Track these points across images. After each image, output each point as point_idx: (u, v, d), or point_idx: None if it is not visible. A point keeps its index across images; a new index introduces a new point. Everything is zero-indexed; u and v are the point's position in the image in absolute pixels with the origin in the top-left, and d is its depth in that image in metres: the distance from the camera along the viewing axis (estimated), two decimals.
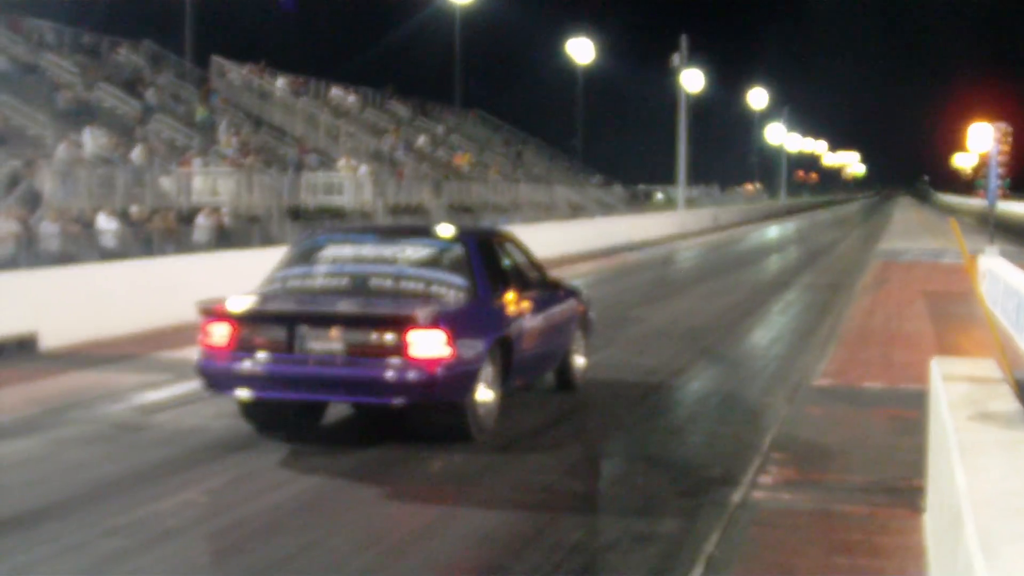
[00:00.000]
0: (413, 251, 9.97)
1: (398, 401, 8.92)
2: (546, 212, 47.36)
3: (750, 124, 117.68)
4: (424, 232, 10.76)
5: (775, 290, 23.91)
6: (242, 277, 18.44)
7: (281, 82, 45.10)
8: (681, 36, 58.71)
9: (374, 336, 8.90)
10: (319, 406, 10.11)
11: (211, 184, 29.84)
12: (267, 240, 26.57)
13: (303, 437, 9.66)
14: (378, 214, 34.72)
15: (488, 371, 9.52)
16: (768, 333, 17.28)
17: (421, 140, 51.12)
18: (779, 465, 8.89)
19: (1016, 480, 4.74)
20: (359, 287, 9.67)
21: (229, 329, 9.18)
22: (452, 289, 9.61)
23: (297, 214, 31.68)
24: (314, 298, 9.58)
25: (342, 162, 38.22)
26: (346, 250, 10.15)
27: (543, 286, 11.27)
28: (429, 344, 8.83)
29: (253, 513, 7.56)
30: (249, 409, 9.74)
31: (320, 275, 9.92)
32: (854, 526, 7.32)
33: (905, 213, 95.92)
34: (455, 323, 9.02)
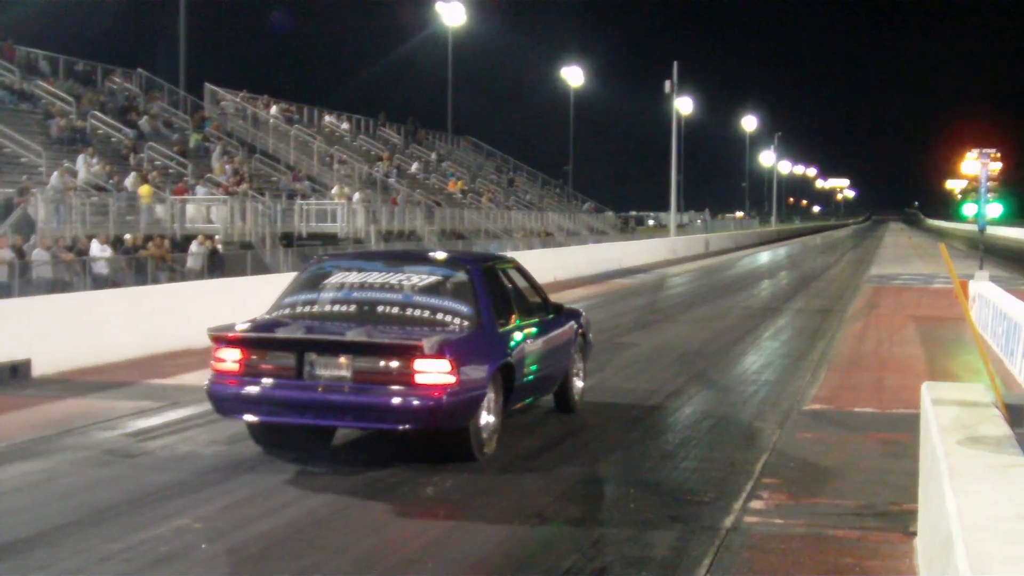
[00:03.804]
0: (419, 279, 10.18)
1: (404, 427, 9.16)
2: (538, 238, 47.40)
3: (741, 151, 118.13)
4: (429, 260, 10.88)
5: (767, 315, 23.83)
6: (235, 304, 18.55)
7: (274, 109, 45.20)
8: (673, 63, 59.11)
9: (381, 364, 9.13)
10: (327, 429, 10.17)
11: (204, 211, 29.88)
12: (260, 267, 26.57)
13: (302, 459, 9.67)
14: (371, 240, 34.74)
15: (490, 396, 9.76)
16: (760, 358, 17.21)
17: (414, 167, 51.17)
18: (771, 490, 8.88)
19: (1007, 504, 4.74)
20: (366, 314, 9.87)
21: (239, 355, 9.41)
22: (456, 317, 9.83)
23: (290, 241, 31.70)
24: (322, 325, 9.77)
25: (335, 189, 38.30)
26: (353, 277, 10.34)
27: (544, 309, 11.54)
28: (434, 372, 9.06)
29: (247, 539, 7.52)
30: (258, 432, 9.94)
31: (327, 301, 10.13)
32: (846, 550, 7.31)
33: (896, 238, 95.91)
34: (459, 351, 9.25)
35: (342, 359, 9.20)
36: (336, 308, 10.04)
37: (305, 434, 10.01)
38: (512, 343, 10.28)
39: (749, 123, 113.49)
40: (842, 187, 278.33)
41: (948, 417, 6.58)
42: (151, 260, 23.70)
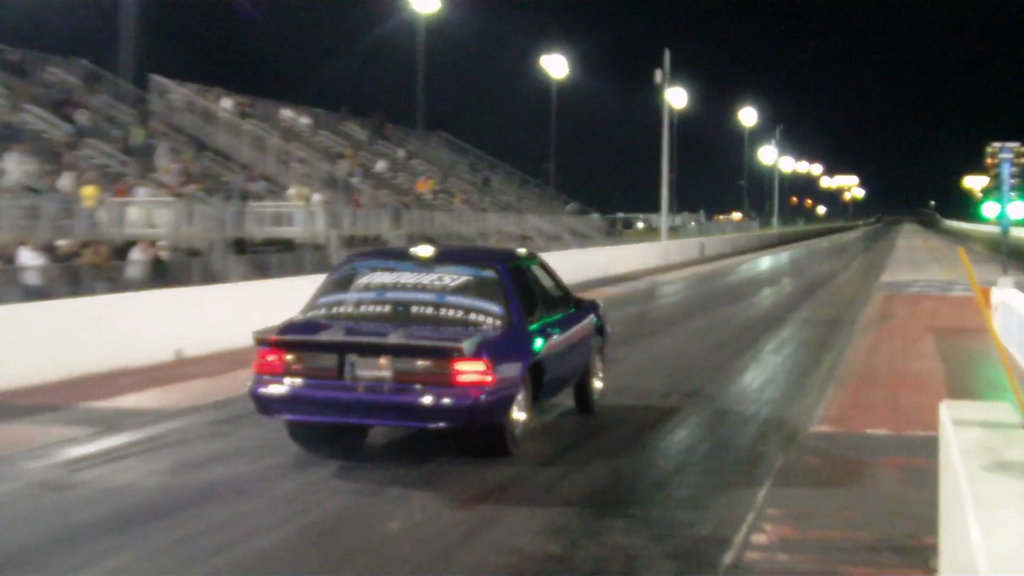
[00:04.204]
0: (450, 279, 11.43)
1: (443, 425, 10.39)
2: (516, 243, 47.38)
3: (740, 146, 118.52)
4: (458, 258, 12.09)
5: (768, 327, 23.95)
6: (181, 317, 18.47)
7: (227, 103, 45.06)
8: (663, 51, 59.16)
9: (421, 365, 10.36)
10: (362, 428, 11.44)
11: (147, 215, 29.68)
12: (209, 276, 26.41)
13: (256, 489, 9.70)
14: (331, 246, 34.63)
15: (522, 393, 11.05)
16: (761, 374, 17.30)
17: (380, 165, 51.16)
18: (775, 522, 8.84)
19: None
20: (400, 315, 11.14)
21: (281, 356, 10.63)
22: (489, 316, 11.11)
23: (242, 247, 31.52)
24: (360, 325, 11.02)
25: (293, 190, 38.15)
26: (385, 277, 11.58)
27: (566, 303, 12.92)
28: (473, 372, 10.31)
29: None
30: (297, 431, 11.15)
31: (362, 302, 11.40)
32: None
33: (910, 240, 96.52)
34: (496, 352, 10.53)
35: (382, 360, 10.41)
36: (371, 309, 11.29)
37: (342, 434, 11.22)
38: (541, 340, 11.53)
39: (748, 116, 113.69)
40: (850, 186, 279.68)
41: (971, 439, 6.52)
42: (87, 269, 23.51)
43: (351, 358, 10.47)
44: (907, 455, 11.15)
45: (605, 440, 11.96)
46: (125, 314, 17.65)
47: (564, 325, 12.38)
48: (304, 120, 50.88)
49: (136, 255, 25.79)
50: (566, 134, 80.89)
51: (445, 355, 10.33)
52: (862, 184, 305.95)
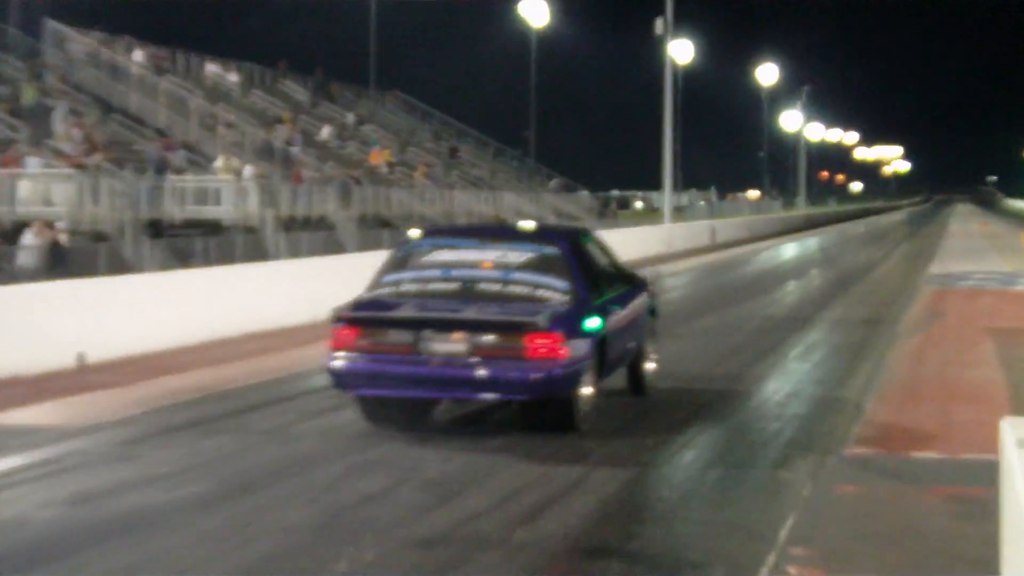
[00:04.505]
0: (515, 256, 13.67)
1: (518, 398, 12.83)
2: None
3: (758, 111, 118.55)
4: (522, 235, 14.89)
5: (793, 328, 24.03)
6: (83, 316, 18.28)
7: (139, 55, 44.87)
8: None
9: (496, 339, 12.60)
10: (430, 404, 13.91)
11: (43, 190, 29.50)
12: (118, 264, 26.27)
13: (156, 519, 9.59)
14: (266, 229, 34.49)
15: (590, 369, 13.17)
16: (785, 385, 17.35)
17: (325, 132, 51.18)
18: (801, 563, 8.84)
19: None
20: (469, 291, 13.36)
21: (356, 333, 12.87)
22: (556, 292, 13.34)
23: (158, 230, 31.36)
24: (431, 302, 13.30)
25: (220, 161, 38.02)
26: (449, 255, 13.86)
27: (622, 280, 15.34)
28: (547, 346, 12.47)
29: None
30: (370, 408, 13.40)
31: (430, 280, 13.65)
32: None
33: (965, 224, 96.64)
34: (567, 326, 12.73)
35: (457, 335, 12.64)
36: (438, 286, 13.53)
37: (411, 411, 13.52)
38: (605, 316, 13.66)
39: (767, 74, 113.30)
40: (892, 158, 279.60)
41: None
42: None
43: (426, 333, 12.72)
44: (961, 482, 11.20)
45: (602, 466, 11.94)
46: (15, 311, 17.42)
47: (622, 302, 14.70)
48: (233, 77, 50.75)
49: (28, 239, 25.64)
50: (549, 96, 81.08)
51: (520, 329, 12.58)
52: (907, 156, 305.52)
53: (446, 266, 13.70)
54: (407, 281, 13.72)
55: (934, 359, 19.49)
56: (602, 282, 14.40)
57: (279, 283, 23.41)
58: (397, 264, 14.01)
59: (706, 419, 14.45)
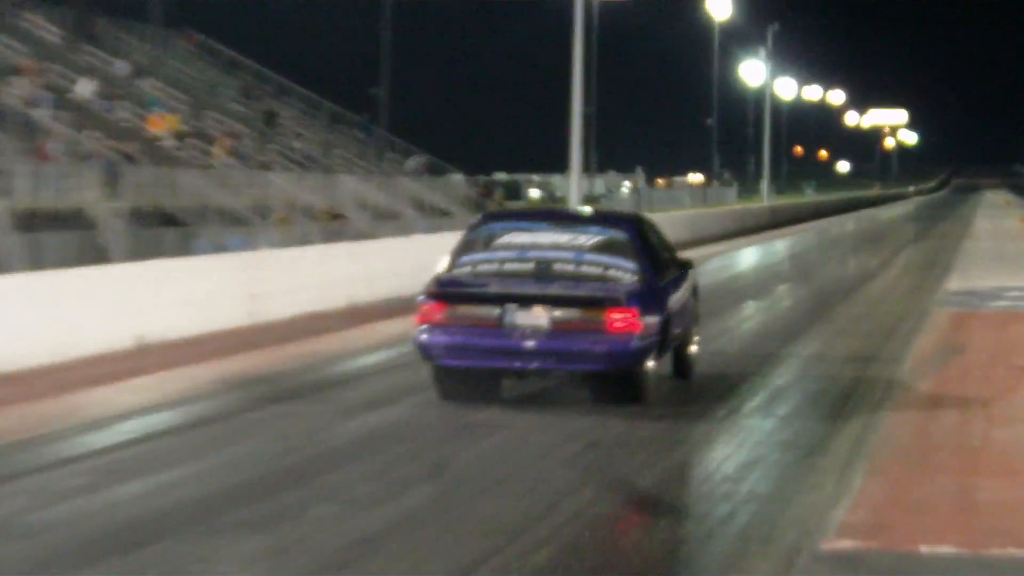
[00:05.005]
0: (585, 238, 19.90)
1: (596, 368, 18.72)
2: (318, 224, 47.36)
3: (705, 61, 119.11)
4: (589, 219, 21.88)
5: (752, 369, 24.40)
6: None
7: None
8: None
9: (577, 313, 18.63)
10: (503, 379, 19.85)
11: None
12: None
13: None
14: None
15: (656, 345, 19.25)
16: (738, 451, 17.57)
17: (84, 87, 51.43)
18: None
19: None
20: (544, 271, 19.52)
21: (443, 307, 18.78)
22: (626, 272, 19.48)
23: None
24: (511, 280, 19.40)
25: None
26: (523, 237, 20.16)
27: (676, 264, 21.95)
28: (625, 320, 18.35)
29: None
30: (447, 383, 19.42)
31: (507, 260, 19.86)
32: None
33: (996, 220, 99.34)
34: (642, 302, 18.77)
35: (540, 310, 18.54)
36: (515, 266, 19.70)
37: (484, 387, 19.63)
38: (668, 296, 20.05)
39: (719, 7, 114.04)
40: (895, 126, 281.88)
41: None
42: None
43: (511, 308, 18.60)
44: None
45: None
46: None
47: (678, 284, 21.22)
48: None
49: None
50: (408, 41, 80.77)
51: (601, 304, 18.62)
52: (914, 124, 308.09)
53: (521, 248, 19.97)
54: (483, 262, 19.96)
55: (950, 413, 19.76)
56: (662, 264, 20.78)
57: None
58: (471, 246, 20.29)
59: (630, 500, 14.83)
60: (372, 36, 72.36)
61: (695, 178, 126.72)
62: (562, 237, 19.82)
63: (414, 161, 68.25)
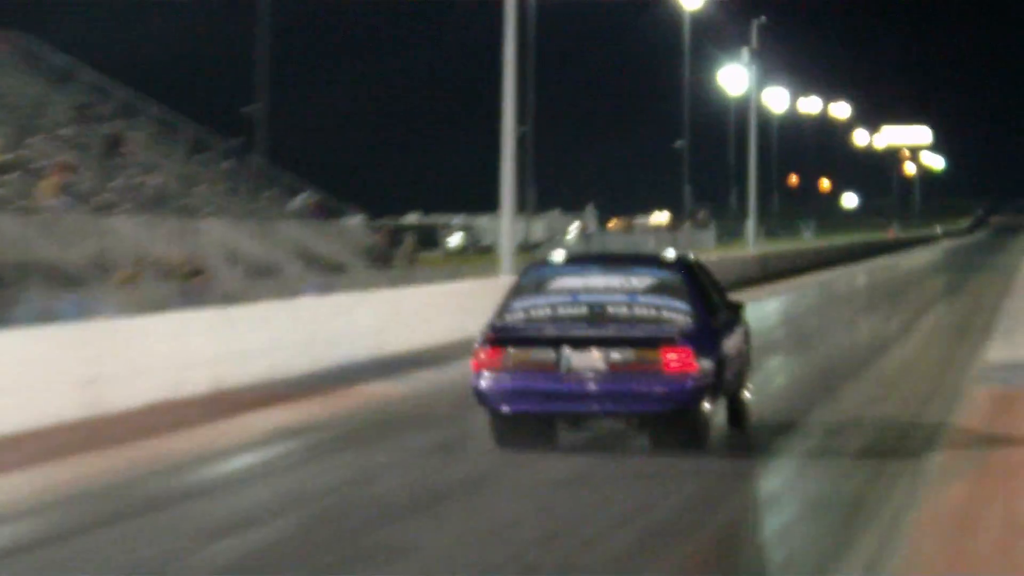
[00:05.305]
0: (638, 280, 24.47)
1: (654, 409, 23.04)
2: (173, 283, 47.22)
3: (673, 64, 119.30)
4: (640, 261, 26.82)
5: (740, 466, 24.86)
6: None
7: None
8: None
9: (634, 354, 23.05)
10: (559, 427, 24.62)
11: None
12: None
13: None
14: None
15: (711, 387, 23.65)
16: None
17: None
18: None
19: None
20: (598, 314, 24.03)
21: (499, 352, 23.34)
22: (680, 314, 23.82)
23: None
24: (565, 324, 24.01)
25: None
26: (574, 281, 24.73)
27: (727, 307, 26.48)
28: (681, 359, 22.63)
29: None
30: (503, 429, 24.17)
31: (559, 304, 24.40)
32: None
33: None
34: (697, 343, 23.01)
35: (597, 352, 22.99)
36: (569, 310, 24.22)
37: (541, 435, 24.39)
38: (720, 338, 24.20)
39: None
40: (916, 146, 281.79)
41: None
42: None
43: (567, 351, 22.95)
44: None
45: None
46: None
47: (731, 328, 25.80)
48: None
49: None
50: (293, 48, 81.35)
51: (656, 344, 22.88)
52: (940, 145, 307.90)
53: (572, 292, 24.55)
54: (535, 307, 24.59)
55: (993, 523, 19.84)
56: (714, 306, 25.32)
57: None
58: (524, 291, 25.03)
59: None
60: (247, 40, 72.35)
61: (661, 217, 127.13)
62: (613, 280, 24.58)
63: (300, 200, 67.94)
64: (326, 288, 52.79)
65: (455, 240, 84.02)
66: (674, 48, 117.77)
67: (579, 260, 29.53)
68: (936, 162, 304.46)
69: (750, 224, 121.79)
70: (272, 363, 36.48)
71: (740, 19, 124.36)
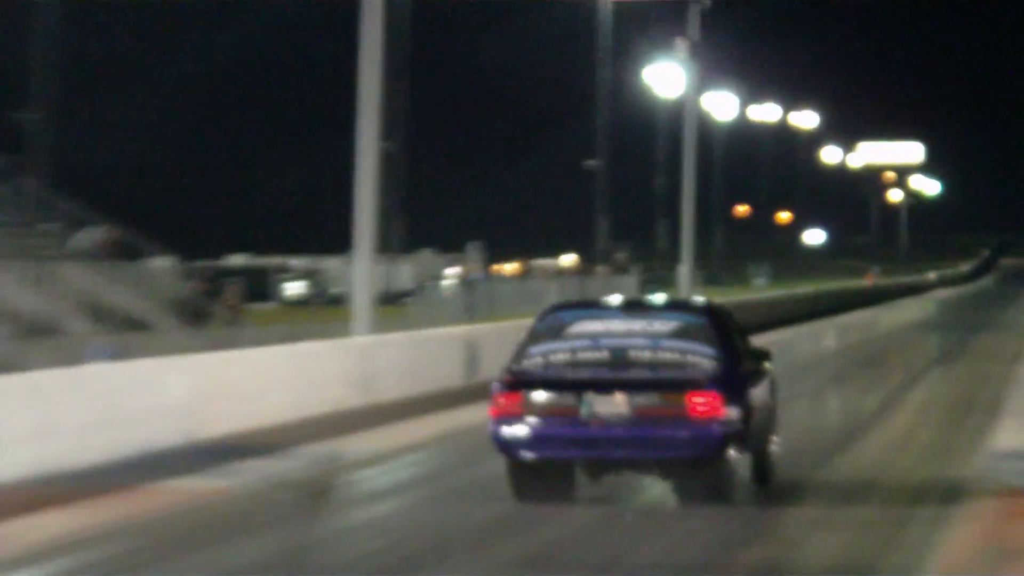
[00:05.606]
0: (661, 324, 31.77)
1: (680, 455, 29.73)
2: None
3: (583, 61, 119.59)
4: (663, 306, 34.74)
5: None
6: None
7: None
8: None
9: (658, 399, 30.18)
10: (579, 478, 31.28)
11: None
12: None
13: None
14: None
15: (739, 435, 30.58)
16: None
17: None
18: None
19: None
20: (620, 359, 31.52)
21: (519, 398, 30.27)
22: (705, 359, 31.03)
23: None
24: (586, 369, 31.45)
25: None
26: (594, 325, 32.12)
27: (752, 356, 33.25)
28: (707, 404, 29.67)
29: None
30: (520, 480, 30.66)
31: (580, 348, 31.77)
32: None
33: None
34: (724, 387, 30.12)
35: (620, 397, 29.84)
36: (590, 355, 31.55)
37: (559, 484, 31.00)
38: (747, 385, 30.99)
39: None
40: (904, 166, 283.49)
41: None
42: None
43: (588, 396, 29.09)
44: None
45: None
46: None
47: (756, 378, 31.30)
48: None
49: None
50: (82, 42, 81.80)
51: (682, 388, 29.04)
52: (934, 166, 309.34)
53: (593, 336, 30.16)
54: (556, 351, 29.88)
55: None
56: (740, 352, 30.47)
57: None
58: (543, 336, 30.30)
59: None
60: (22, 32, 72.17)
61: (566, 259, 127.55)
62: (635, 324, 30.37)
63: (90, 236, 67.55)
64: (122, 351, 52.13)
65: (295, 288, 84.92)
66: (588, 43, 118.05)
67: (599, 304, 34.78)
68: (929, 187, 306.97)
69: (683, 269, 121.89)
70: (44, 452, 35.98)
71: (676, 4, 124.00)
